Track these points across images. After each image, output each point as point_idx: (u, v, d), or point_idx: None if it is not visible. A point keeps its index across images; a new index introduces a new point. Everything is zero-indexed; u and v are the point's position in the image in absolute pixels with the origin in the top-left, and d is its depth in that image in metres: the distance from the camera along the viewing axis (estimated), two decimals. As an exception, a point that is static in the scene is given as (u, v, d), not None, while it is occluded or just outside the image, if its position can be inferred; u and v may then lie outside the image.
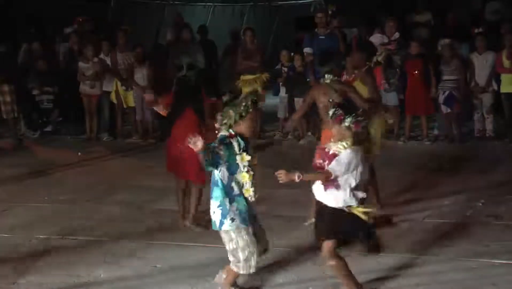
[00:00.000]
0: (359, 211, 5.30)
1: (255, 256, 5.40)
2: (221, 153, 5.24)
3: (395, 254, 6.42)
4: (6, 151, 12.13)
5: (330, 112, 5.37)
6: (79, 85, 12.94)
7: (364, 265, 5.69)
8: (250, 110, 5.38)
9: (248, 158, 5.33)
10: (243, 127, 5.40)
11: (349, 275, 5.40)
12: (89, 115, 13.05)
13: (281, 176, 5.17)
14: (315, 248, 6.31)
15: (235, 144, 5.34)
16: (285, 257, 6.38)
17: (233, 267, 5.44)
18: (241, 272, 5.43)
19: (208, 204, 5.57)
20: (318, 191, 5.38)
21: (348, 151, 5.25)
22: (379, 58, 8.49)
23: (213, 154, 5.21)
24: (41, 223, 7.73)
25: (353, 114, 5.32)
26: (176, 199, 7.57)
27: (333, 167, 5.23)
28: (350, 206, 5.30)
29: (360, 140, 5.32)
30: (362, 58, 7.97)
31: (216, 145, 5.28)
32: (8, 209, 8.37)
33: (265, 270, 6.04)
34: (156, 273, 6.20)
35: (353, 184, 5.28)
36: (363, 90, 7.57)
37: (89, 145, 12.53)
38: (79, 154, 11.66)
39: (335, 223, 5.32)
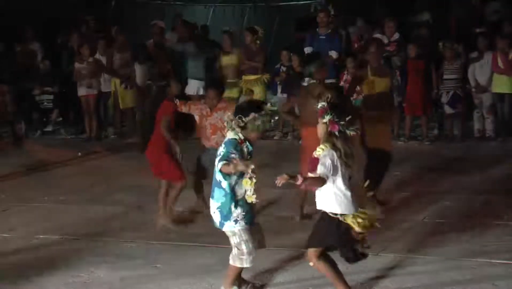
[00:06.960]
0: (352, 220, 5.19)
1: (255, 252, 5.45)
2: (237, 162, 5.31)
3: (395, 254, 6.42)
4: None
5: (319, 105, 5.21)
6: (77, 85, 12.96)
7: (364, 264, 5.68)
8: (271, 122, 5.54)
9: (252, 166, 5.33)
10: (254, 134, 5.46)
11: (337, 274, 5.35)
12: (88, 116, 13.04)
13: (281, 180, 4.99)
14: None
15: (244, 150, 5.42)
16: (285, 257, 6.37)
17: (236, 262, 5.44)
18: (245, 265, 5.45)
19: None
20: (318, 198, 5.31)
21: (326, 152, 5.11)
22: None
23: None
24: (41, 223, 7.74)
25: (337, 114, 5.10)
26: (160, 200, 7.60)
27: (320, 170, 5.10)
28: (344, 214, 5.18)
29: (340, 145, 5.13)
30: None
31: (232, 152, 5.31)
32: (8, 209, 8.38)
33: (265, 270, 6.05)
34: (156, 273, 6.20)
35: (343, 187, 5.17)
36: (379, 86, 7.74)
37: (89, 145, 12.53)
38: (79, 154, 11.67)
39: (324, 233, 5.24)
